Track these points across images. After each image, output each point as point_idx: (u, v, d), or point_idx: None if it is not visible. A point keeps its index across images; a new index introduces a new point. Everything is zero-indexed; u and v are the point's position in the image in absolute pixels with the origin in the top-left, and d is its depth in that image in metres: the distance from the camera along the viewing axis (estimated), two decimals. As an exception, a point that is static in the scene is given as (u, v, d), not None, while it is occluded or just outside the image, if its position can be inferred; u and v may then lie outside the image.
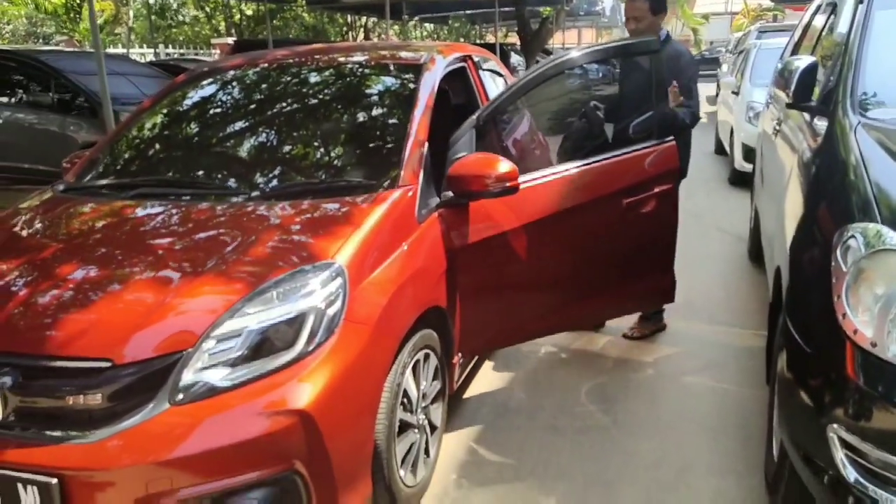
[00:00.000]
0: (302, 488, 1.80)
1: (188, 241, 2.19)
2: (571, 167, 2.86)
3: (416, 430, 2.30)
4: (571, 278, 2.94)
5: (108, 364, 1.75)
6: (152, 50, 13.49)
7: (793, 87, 2.58)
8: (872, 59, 2.42)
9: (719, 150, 9.48)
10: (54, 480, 1.68)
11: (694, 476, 2.46)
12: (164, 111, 3.17)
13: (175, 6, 16.30)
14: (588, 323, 3.49)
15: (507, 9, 17.52)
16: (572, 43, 30.99)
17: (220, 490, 1.73)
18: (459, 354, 2.70)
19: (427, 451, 2.39)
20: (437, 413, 2.50)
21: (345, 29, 22.26)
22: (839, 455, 1.63)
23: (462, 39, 28.27)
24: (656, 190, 2.92)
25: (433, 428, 2.45)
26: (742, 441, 2.63)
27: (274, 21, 18.43)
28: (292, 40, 14.89)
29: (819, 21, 3.62)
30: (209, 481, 1.72)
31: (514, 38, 22.42)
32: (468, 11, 20.83)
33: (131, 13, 16.24)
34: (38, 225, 2.52)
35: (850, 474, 1.60)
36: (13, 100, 7.37)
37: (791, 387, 1.87)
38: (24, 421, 1.78)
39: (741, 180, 7.04)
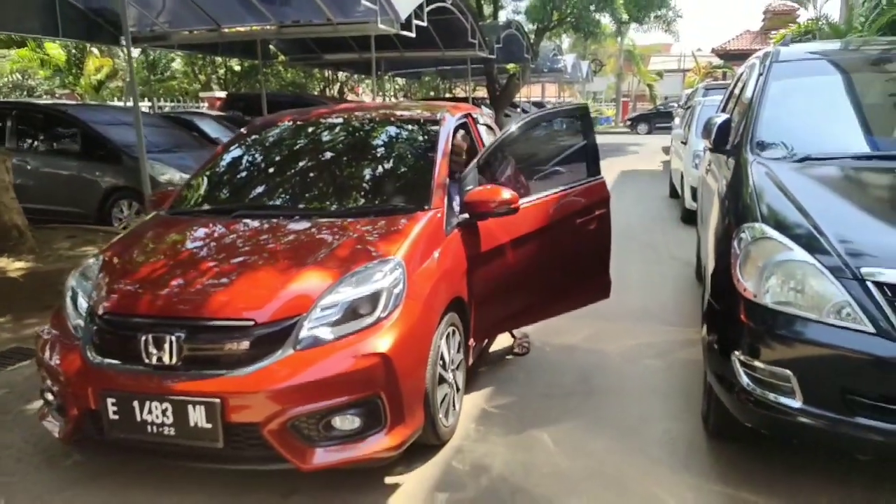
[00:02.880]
0: (382, 409, 2.61)
1: (291, 245, 3.05)
2: (542, 196, 3.81)
3: (448, 386, 3.11)
4: (547, 278, 3.86)
5: (251, 323, 2.57)
6: (148, 102, 14.31)
7: (713, 137, 3.57)
8: (766, 116, 3.41)
9: (673, 193, 10.59)
10: (217, 400, 2.47)
11: (650, 422, 3.31)
12: (240, 153, 4.03)
13: (164, 62, 17.22)
14: (556, 314, 4.26)
15: (476, 65, 18.84)
16: (537, 96, 32.72)
17: (328, 407, 2.54)
18: (472, 340, 3.54)
19: (454, 405, 3.21)
20: (460, 378, 3.32)
21: (322, 84, 23.42)
22: (739, 370, 2.51)
23: (432, 93, 29.71)
24: (597, 212, 3.95)
25: (458, 389, 3.27)
26: (685, 400, 3.49)
27: (257, 75, 19.47)
28: (281, 94, 15.87)
29: (738, 88, 4.66)
30: (319, 402, 2.53)
31: (482, 92, 23.81)
32: (439, 67, 22.15)
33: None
34: (167, 235, 3.34)
35: (744, 380, 2.48)
36: (42, 148, 8.07)
37: (710, 337, 2.76)
38: (190, 364, 2.57)
39: (691, 218, 8.07)
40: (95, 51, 16.59)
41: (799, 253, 2.45)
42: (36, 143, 8.13)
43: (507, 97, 21.19)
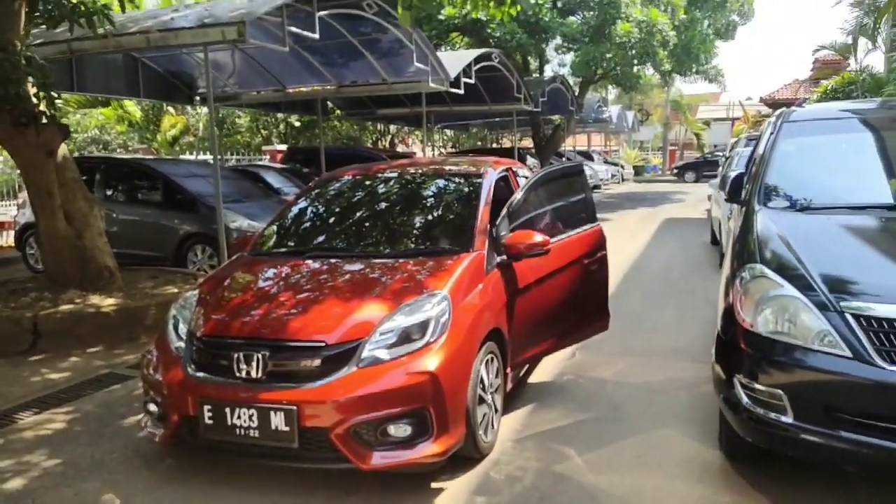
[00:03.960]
0: (429, 420, 3.08)
1: (354, 280, 3.64)
2: (558, 239, 4.38)
3: (488, 406, 3.55)
4: (565, 312, 4.44)
5: (322, 344, 3.11)
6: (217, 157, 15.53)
7: (728, 188, 3.99)
8: (773, 170, 3.83)
9: (714, 240, 10.85)
10: (294, 407, 2.99)
11: (671, 444, 3.67)
12: (309, 203, 4.68)
13: (230, 119, 18.52)
14: (570, 344, 4.83)
15: (522, 117, 19.56)
16: (583, 146, 33.31)
17: (384, 417, 3.03)
18: (509, 368, 3.98)
19: (493, 424, 3.64)
20: (499, 400, 3.76)
21: (375, 136, 24.57)
22: (740, 391, 2.89)
23: (479, 143, 30.63)
24: (598, 255, 4.64)
25: (496, 410, 3.70)
26: (704, 427, 3.79)
27: (315, 129, 20.64)
28: (337, 147, 16.84)
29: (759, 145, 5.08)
30: (377, 411, 3.02)
31: (528, 142, 24.52)
32: (486, 119, 22.99)
33: (201, 126, 18.52)
34: (252, 272, 3.97)
35: (745, 401, 2.86)
36: (126, 198, 8.96)
37: (718, 364, 3.14)
38: (272, 378, 3.11)
39: (728, 263, 8.36)
40: (171, 109, 18.01)
41: (789, 290, 2.84)
42: (120, 193, 9.03)
43: (552, 147, 21.82)
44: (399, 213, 4.48)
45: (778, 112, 4.55)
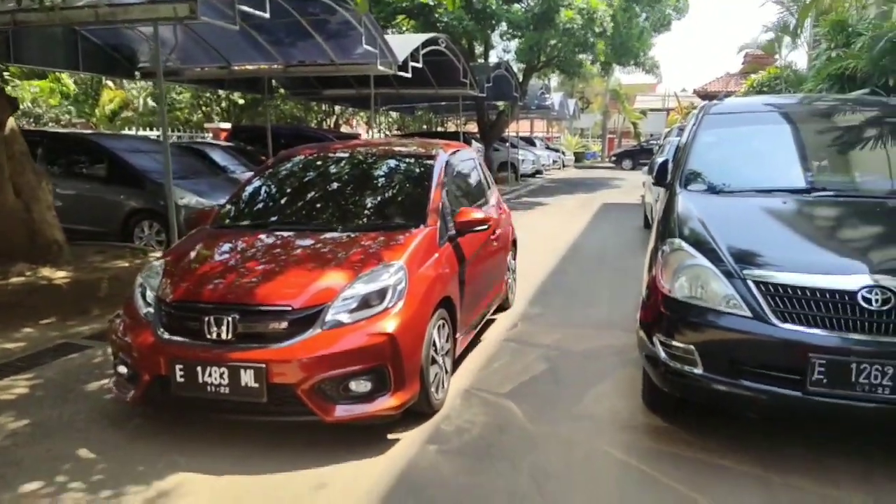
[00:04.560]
0: (387, 376, 3.41)
1: (316, 251, 3.91)
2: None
3: (439, 367, 3.91)
4: (492, 281, 5.09)
5: (289, 308, 3.38)
6: (156, 132, 15.18)
7: (654, 174, 4.43)
8: (693, 158, 4.28)
9: (647, 224, 11.49)
10: (263, 365, 3.27)
11: (601, 400, 4.11)
12: (269, 180, 4.88)
13: (170, 95, 18.12)
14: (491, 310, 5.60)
15: (467, 101, 19.88)
16: (526, 132, 33.93)
17: (346, 374, 3.34)
18: (458, 333, 4.33)
19: (443, 384, 4.00)
20: (448, 363, 4.11)
21: (320, 117, 24.44)
22: (659, 348, 3.32)
23: (425, 127, 30.80)
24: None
25: (447, 371, 4.06)
26: (632, 386, 4.24)
27: (258, 108, 20.42)
28: (282, 126, 16.78)
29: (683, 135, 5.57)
30: (340, 369, 3.33)
31: (473, 127, 24.89)
32: (432, 103, 23.20)
33: (141, 101, 18.05)
34: (216, 243, 4.19)
35: (663, 356, 3.30)
36: (70, 172, 8.83)
37: (641, 326, 3.57)
38: (241, 340, 3.37)
39: (658, 245, 8.97)
40: (110, 83, 17.49)
41: (702, 261, 3.28)
42: (64, 167, 8.89)
43: (497, 132, 22.26)
44: (357, 190, 4.77)
45: (700, 105, 5.02)
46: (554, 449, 3.53)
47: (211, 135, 16.88)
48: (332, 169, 5.00)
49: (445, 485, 3.21)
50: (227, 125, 17.80)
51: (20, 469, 3.33)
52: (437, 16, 16.16)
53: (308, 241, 4.07)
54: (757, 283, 3.10)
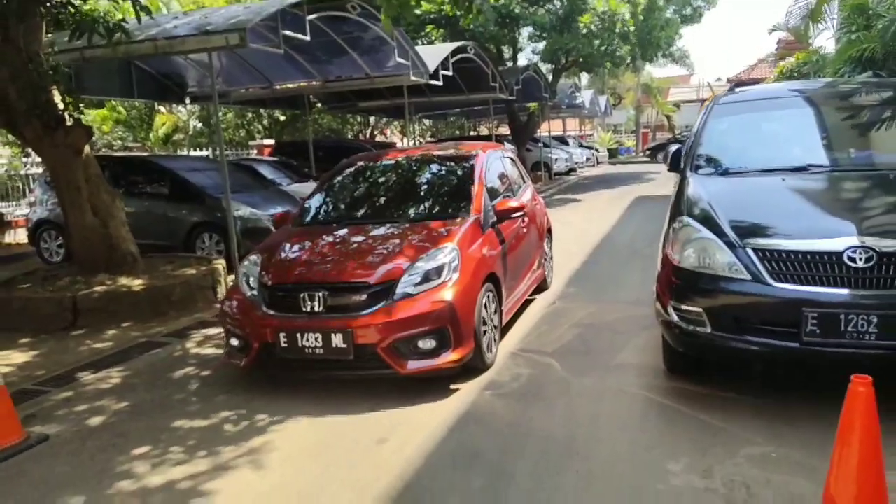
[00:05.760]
0: (448, 336, 4.17)
1: (385, 239, 4.73)
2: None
3: (489, 330, 4.58)
4: (531, 261, 5.86)
5: (367, 283, 4.18)
6: (205, 151, 16.13)
7: (668, 161, 4.86)
8: (702, 144, 4.70)
9: (678, 213, 11.75)
10: (350, 330, 4.04)
11: (629, 359, 4.59)
12: (336, 185, 5.88)
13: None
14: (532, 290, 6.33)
15: (498, 105, 20.35)
16: (558, 131, 34.24)
17: (415, 334, 4.10)
18: (503, 305, 5.03)
19: (493, 345, 4.70)
20: (497, 328, 4.84)
21: (356, 128, 25.24)
22: (672, 312, 3.76)
23: (457, 132, 31.37)
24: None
25: (495, 335, 4.76)
26: (656, 349, 4.64)
27: (297, 124, 21.26)
28: (322, 139, 17.53)
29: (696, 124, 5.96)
30: (409, 329, 4.07)
31: (505, 129, 25.33)
32: (464, 108, 23.74)
33: (191, 124, 19.10)
34: (301, 237, 5.08)
35: (675, 319, 3.74)
36: (136, 192, 9.58)
37: (657, 296, 4.01)
38: (330, 311, 4.18)
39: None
40: (162, 108, 18.54)
41: (707, 234, 3.71)
42: (131, 187, 9.66)
43: (528, 133, 22.67)
44: (411, 187, 5.72)
45: (715, 96, 5.41)
46: (588, 391, 4.24)
47: (255, 151, 17.74)
48: (388, 172, 5.93)
49: (500, 417, 3.94)
50: (270, 141, 18.65)
51: (128, 439, 3.94)
52: (463, 24, 16.69)
53: (375, 231, 4.92)
54: (755, 251, 3.51)
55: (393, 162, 6.03)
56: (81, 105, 7.15)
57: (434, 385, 4.30)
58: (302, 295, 4.23)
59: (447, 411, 4.00)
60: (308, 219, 5.49)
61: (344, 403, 4.18)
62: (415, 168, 5.91)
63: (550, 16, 16.64)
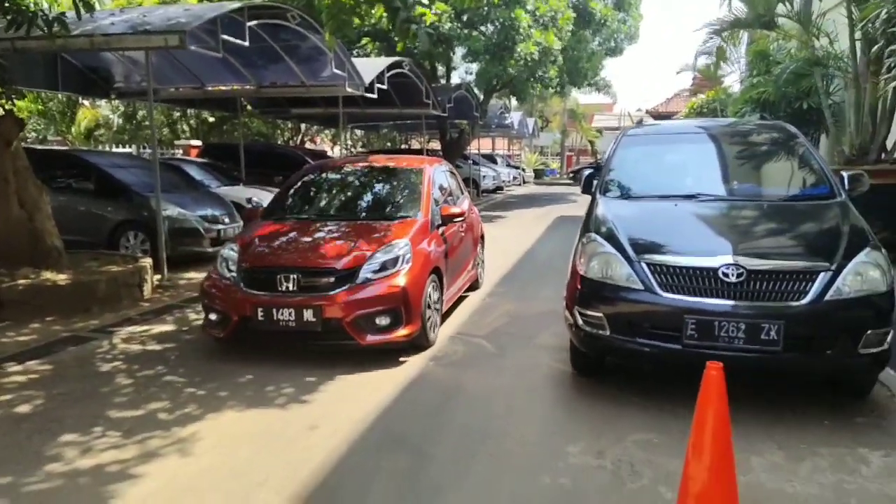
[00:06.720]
0: (401, 314, 5.04)
1: (348, 232, 5.42)
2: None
3: (432, 313, 5.45)
4: (467, 260, 6.58)
5: (335, 268, 4.80)
6: (129, 148, 15.73)
7: (582, 183, 5.39)
8: (613, 170, 5.26)
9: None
10: (319, 305, 4.78)
11: (540, 360, 5.02)
12: (301, 186, 6.54)
13: (141, 113, 18.66)
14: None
15: (430, 120, 20.83)
16: (487, 149, 35.13)
17: (373, 312, 4.97)
18: (444, 294, 5.81)
19: (436, 327, 5.64)
20: (438, 313, 5.74)
21: (287, 135, 25.14)
22: (577, 317, 4.24)
23: (389, 144, 31.69)
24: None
25: (437, 318, 5.55)
26: (566, 351, 5.20)
27: (225, 126, 21.06)
28: (253, 144, 17.43)
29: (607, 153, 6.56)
30: (369, 308, 4.84)
31: (436, 144, 25.85)
32: (396, 122, 24.11)
33: (116, 120, 18.54)
34: (273, 229, 5.70)
35: (580, 322, 4.22)
36: (61, 187, 9.34)
37: (566, 301, 4.49)
38: (302, 290, 4.98)
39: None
40: (86, 102, 17.96)
41: (609, 248, 4.22)
42: (54, 182, 9.43)
43: (458, 150, 23.25)
44: (371, 191, 6.59)
45: (623, 128, 6.01)
46: (512, 363, 5.19)
47: (181, 151, 17.46)
48: (349, 177, 6.75)
49: (441, 380, 4.86)
50: (197, 142, 18.39)
51: (62, 425, 4.05)
52: (399, 49, 17.10)
53: (340, 227, 5.69)
54: (648, 265, 4.04)
55: (353, 168, 6.88)
56: (14, 96, 7.06)
57: (387, 355, 5.17)
58: (278, 276, 4.97)
59: (398, 374, 4.92)
60: (278, 214, 6.15)
61: (312, 367, 5.00)
62: (373, 174, 6.75)
63: (485, 40, 17.25)
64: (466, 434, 3.91)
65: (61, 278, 6.81)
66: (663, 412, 4.07)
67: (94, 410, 4.25)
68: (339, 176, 6.79)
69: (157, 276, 7.97)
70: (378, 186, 6.57)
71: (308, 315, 4.83)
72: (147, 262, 7.65)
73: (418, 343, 5.26)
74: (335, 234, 5.51)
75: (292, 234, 5.59)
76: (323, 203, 6.42)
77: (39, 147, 14.55)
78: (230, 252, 5.41)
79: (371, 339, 4.93)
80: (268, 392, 4.54)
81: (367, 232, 5.44)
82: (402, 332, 5.00)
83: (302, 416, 4.19)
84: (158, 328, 6.29)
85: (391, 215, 5.88)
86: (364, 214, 6.02)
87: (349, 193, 6.52)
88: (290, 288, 4.92)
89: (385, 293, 4.92)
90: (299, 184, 6.66)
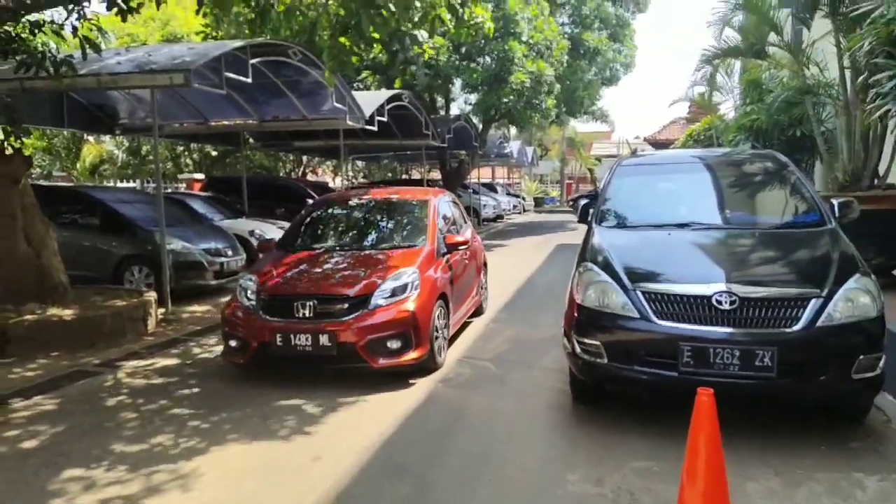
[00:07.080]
0: (411, 339, 5.35)
1: (360, 262, 5.94)
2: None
3: (440, 338, 5.66)
4: (471, 288, 6.80)
5: (348, 295, 5.10)
6: (133, 183, 15.93)
7: (578, 213, 5.51)
8: (609, 200, 5.37)
9: (594, 260, 12.64)
10: (334, 330, 5.11)
11: (541, 389, 5.08)
12: (314, 218, 6.88)
13: (145, 147, 18.92)
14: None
15: (430, 151, 21.09)
16: (487, 178, 35.45)
17: (385, 336, 5.28)
18: (451, 319, 6.03)
19: (443, 350, 5.92)
20: (446, 338, 6.02)
21: (289, 167, 25.45)
22: (576, 345, 4.31)
23: (390, 175, 32.00)
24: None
25: (445, 342, 5.75)
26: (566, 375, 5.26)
27: (227, 159, 21.32)
28: (256, 177, 17.66)
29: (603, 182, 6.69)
30: (380, 332, 5.26)
31: (436, 174, 26.11)
32: (397, 153, 24.40)
33: (120, 155, 18.82)
34: (289, 258, 6.01)
35: (578, 350, 4.29)
36: (66, 223, 9.47)
37: (564, 329, 4.57)
38: (318, 317, 5.28)
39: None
40: (90, 139, 18.25)
41: (605, 278, 4.31)
42: (60, 217, 9.56)
43: (458, 180, 23.47)
44: (380, 221, 6.94)
45: (617, 159, 6.15)
46: (516, 384, 5.45)
47: (185, 185, 17.67)
48: (358, 209, 7.09)
49: (448, 400, 5.12)
50: (200, 176, 18.62)
51: (69, 459, 4.11)
52: (396, 85, 17.43)
53: (350, 256, 6.07)
54: (644, 293, 4.13)
55: (361, 201, 7.24)
56: (21, 135, 7.24)
57: (397, 379, 5.43)
58: (295, 303, 5.28)
59: (407, 396, 5.18)
60: (292, 245, 6.52)
61: (327, 389, 5.29)
62: (380, 206, 7.14)
63: (483, 72, 17.56)
64: (469, 459, 3.98)
65: (67, 314, 6.90)
66: (662, 439, 4.11)
67: (100, 444, 4.31)
68: (348, 208, 7.16)
69: (162, 310, 8.05)
70: (386, 217, 6.92)
71: (324, 340, 5.13)
72: (151, 296, 7.74)
73: (427, 366, 5.51)
74: (347, 264, 5.87)
75: (306, 264, 5.94)
76: (334, 234, 6.78)
77: (45, 183, 14.75)
78: (248, 282, 5.71)
79: (383, 362, 5.21)
80: (270, 424, 4.60)
81: (377, 261, 5.81)
82: (411, 355, 5.28)
83: (306, 446, 4.26)
84: (163, 362, 6.37)
85: (399, 244, 6.24)
86: (373, 244, 6.38)
87: (359, 225, 6.87)
88: (307, 315, 5.22)
89: (396, 318, 5.21)
90: (310, 216, 7.01)
